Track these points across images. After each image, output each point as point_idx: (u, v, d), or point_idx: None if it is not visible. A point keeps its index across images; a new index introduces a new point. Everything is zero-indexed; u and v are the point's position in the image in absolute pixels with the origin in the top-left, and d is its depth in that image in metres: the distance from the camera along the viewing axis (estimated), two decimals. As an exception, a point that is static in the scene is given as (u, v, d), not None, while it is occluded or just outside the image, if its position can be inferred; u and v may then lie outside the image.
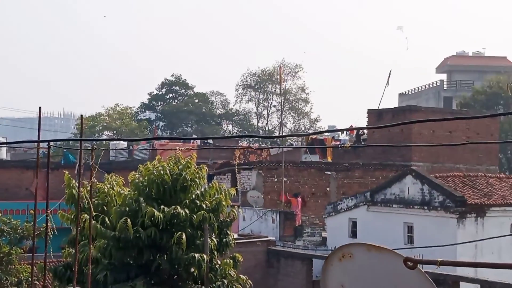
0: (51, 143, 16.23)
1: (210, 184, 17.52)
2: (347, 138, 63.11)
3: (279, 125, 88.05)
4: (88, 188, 18.10)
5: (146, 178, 17.06)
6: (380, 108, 49.60)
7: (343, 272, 6.20)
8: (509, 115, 68.54)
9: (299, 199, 39.13)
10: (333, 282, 6.21)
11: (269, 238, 33.47)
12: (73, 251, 17.64)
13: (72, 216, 17.72)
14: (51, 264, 19.72)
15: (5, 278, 24.24)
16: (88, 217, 15.78)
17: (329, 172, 43.03)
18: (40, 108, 17.35)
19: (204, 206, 16.81)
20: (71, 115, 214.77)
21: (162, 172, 16.79)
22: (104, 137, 76.92)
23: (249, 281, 17.49)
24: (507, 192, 32.24)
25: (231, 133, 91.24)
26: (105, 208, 17.83)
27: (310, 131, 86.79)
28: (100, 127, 79.41)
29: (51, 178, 28.95)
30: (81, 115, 18.36)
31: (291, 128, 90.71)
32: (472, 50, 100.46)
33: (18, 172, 43.17)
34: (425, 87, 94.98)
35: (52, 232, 24.45)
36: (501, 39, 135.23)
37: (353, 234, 34.35)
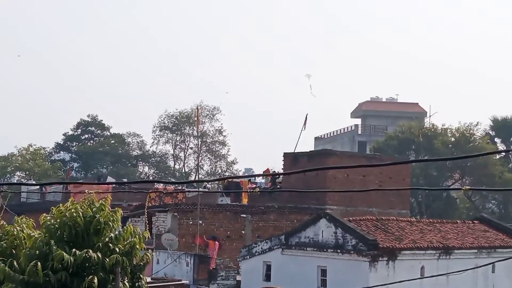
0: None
1: (124, 227, 17.34)
2: (263, 181, 63.57)
3: (196, 167, 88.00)
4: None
5: (58, 220, 16.75)
6: (296, 151, 50.20)
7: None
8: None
9: (215, 242, 39.04)
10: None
11: (183, 282, 33.18)
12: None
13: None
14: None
15: None
16: (-4, 260, 15.40)
17: (244, 215, 43.17)
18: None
19: (117, 249, 16.60)
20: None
21: (75, 214, 16.54)
22: (16, 178, 75.26)
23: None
24: (418, 235, 33.00)
25: (147, 174, 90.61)
26: (14, 251, 17.40)
27: (227, 174, 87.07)
28: (12, 168, 77.70)
29: None
30: None
31: (208, 170, 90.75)
32: (385, 96, 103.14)
33: None
34: (340, 131, 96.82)
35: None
36: (413, 86, 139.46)
37: (267, 277, 34.42)
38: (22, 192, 53.96)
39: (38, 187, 57.59)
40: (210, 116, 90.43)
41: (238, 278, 37.06)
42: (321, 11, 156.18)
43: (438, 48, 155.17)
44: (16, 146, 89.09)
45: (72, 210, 16.65)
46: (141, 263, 17.48)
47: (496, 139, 75.31)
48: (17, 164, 78.36)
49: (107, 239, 16.64)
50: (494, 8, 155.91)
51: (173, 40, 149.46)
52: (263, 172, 54.45)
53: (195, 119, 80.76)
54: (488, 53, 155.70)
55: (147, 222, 28.79)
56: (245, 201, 50.41)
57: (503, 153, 70.74)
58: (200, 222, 40.08)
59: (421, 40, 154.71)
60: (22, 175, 77.53)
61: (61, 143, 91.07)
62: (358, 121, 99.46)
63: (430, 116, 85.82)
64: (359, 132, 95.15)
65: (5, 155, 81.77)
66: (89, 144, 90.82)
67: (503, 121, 74.99)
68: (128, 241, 16.95)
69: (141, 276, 17.50)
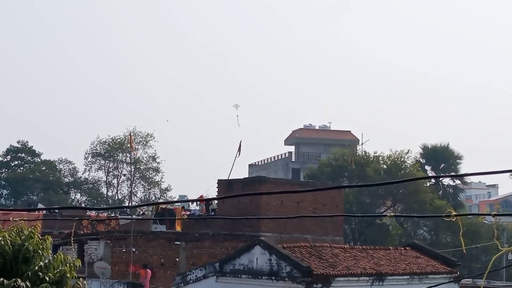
0: None
1: (54, 255, 16.86)
2: (197, 208, 63.14)
3: (129, 194, 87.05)
4: None
5: (-17, 249, 16.20)
6: (230, 178, 50.07)
7: None
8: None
9: (148, 270, 38.45)
10: None
11: (116, 311, 32.60)
12: None
13: None
14: None
15: None
16: None
17: (178, 242, 42.72)
18: None
19: (47, 278, 16.11)
20: None
21: (2, 242, 16.02)
22: None
23: None
24: (351, 262, 33.11)
25: (79, 202, 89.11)
26: None
27: (161, 201, 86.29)
28: None
29: None
30: None
31: (141, 197, 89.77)
32: (318, 124, 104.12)
33: None
34: (274, 158, 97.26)
35: None
36: (345, 113, 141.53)
37: (202, 306, 34.06)
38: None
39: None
40: (143, 143, 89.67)
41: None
42: (254, 35, 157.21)
43: (370, 75, 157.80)
44: None
45: (0, 239, 16.14)
46: (72, 292, 17.02)
47: (426, 167, 76.56)
48: None
49: (36, 268, 16.15)
50: (424, 36, 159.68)
51: (105, 67, 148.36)
52: (199, 199, 54.16)
53: (128, 145, 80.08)
54: (418, 81, 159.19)
55: (75, 249, 28.35)
56: (178, 228, 49.98)
57: (433, 180, 71.88)
58: (134, 249, 39.48)
59: (353, 68, 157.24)
60: None
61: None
62: (291, 148, 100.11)
63: (362, 143, 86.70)
64: (293, 159, 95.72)
65: None
66: (19, 170, 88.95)
67: (432, 149, 76.39)
68: (58, 270, 16.47)
69: (72, 306, 17.02)
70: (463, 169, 75.58)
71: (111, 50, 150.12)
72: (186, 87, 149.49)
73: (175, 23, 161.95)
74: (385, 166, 70.38)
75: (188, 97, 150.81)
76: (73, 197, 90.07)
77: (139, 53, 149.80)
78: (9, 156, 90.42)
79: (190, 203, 57.49)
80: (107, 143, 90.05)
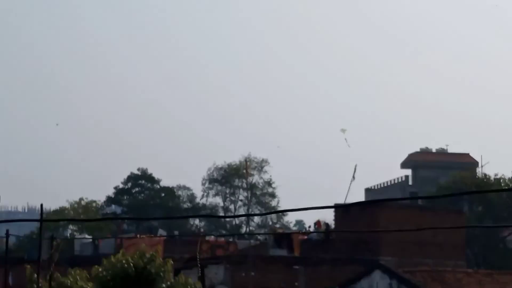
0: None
1: (176, 278, 17.00)
2: (315, 233, 62.62)
3: (246, 219, 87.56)
4: (52, 284, 17.51)
5: (110, 272, 16.51)
6: (346, 202, 49.42)
7: None
8: (474, 211, 69.02)
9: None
10: None
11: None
12: None
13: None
14: None
15: None
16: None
17: (297, 267, 42.40)
18: None
19: (169, 301, 16.24)
20: (35, 209, 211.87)
21: (126, 266, 16.28)
22: (69, 231, 75.74)
23: None
24: (475, 287, 31.92)
25: (198, 227, 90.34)
26: (67, 303, 17.14)
27: (277, 226, 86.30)
28: (65, 222, 78.20)
29: (15, 273, 27.99)
30: (41, 204, 17.87)
31: (258, 222, 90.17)
32: (435, 147, 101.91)
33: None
34: (390, 182, 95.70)
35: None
36: (463, 136, 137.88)
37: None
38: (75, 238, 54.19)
39: (91, 240, 57.81)
40: (258, 169, 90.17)
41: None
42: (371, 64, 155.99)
43: (487, 100, 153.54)
44: (67, 200, 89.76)
45: (123, 262, 16.40)
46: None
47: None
48: (69, 218, 78.89)
49: (160, 290, 16.34)
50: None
51: (220, 95, 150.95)
52: (315, 223, 53.72)
53: (244, 171, 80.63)
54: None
55: (198, 272, 28.53)
56: (296, 253, 49.64)
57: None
58: (253, 273, 39.44)
59: (469, 92, 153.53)
60: (74, 228, 77.98)
61: (112, 196, 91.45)
62: (408, 171, 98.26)
63: (482, 166, 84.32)
64: (410, 183, 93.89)
65: (57, 209, 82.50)
66: (139, 197, 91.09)
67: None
68: (181, 292, 16.60)
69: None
70: None
71: (224, 78, 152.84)
72: (298, 113, 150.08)
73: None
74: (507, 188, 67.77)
75: (299, 123, 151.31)
76: (192, 223, 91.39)
77: (254, 81, 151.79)
78: (130, 183, 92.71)
79: (307, 227, 56.98)
80: (223, 169, 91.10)
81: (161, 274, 16.57)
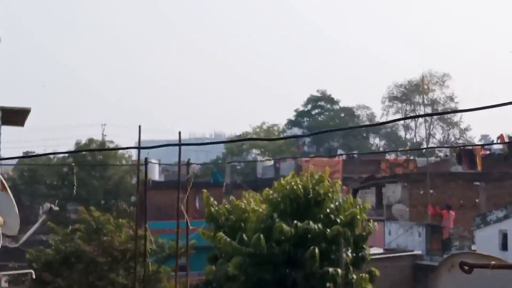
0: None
1: (344, 198, 17.50)
2: (500, 147, 60.82)
3: (427, 136, 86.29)
4: (227, 206, 18.54)
5: (280, 194, 17.26)
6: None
7: (452, 282, 6.08)
8: None
9: (452, 211, 37.95)
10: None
11: (415, 253, 32.86)
12: (214, 268, 18.09)
13: (212, 234, 18.12)
14: (194, 281, 20.25)
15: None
16: (223, 235, 16.17)
17: (478, 183, 41.72)
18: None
19: (338, 220, 16.79)
20: (222, 135, 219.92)
21: (295, 187, 16.93)
22: (252, 156, 78.21)
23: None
24: None
25: (378, 146, 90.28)
26: (242, 224, 18.10)
27: (460, 141, 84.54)
28: (247, 146, 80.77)
29: (201, 197, 29.62)
30: (179, 132, 18.67)
31: (440, 139, 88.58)
32: None
33: (170, 192, 44.49)
34: None
35: (194, 251, 25.19)
36: None
37: (504, 246, 33.05)
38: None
39: (272, 163, 59.61)
40: (440, 83, 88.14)
41: (473, 247, 35.94)
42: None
43: None
44: (250, 125, 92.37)
45: (293, 184, 17.06)
46: (364, 233, 17.55)
47: None
48: (253, 142, 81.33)
49: (327, 210, 16.89)
50: None
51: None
52: (497, 138, 52.16)
53: (425, 87, 79.15)
54: None
55: (374, 193, 29.05)
56: (479, 168, 48.68)
57: None
58: (431, 191, 39.32)
59: None
60: (257, 152, 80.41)
61: (293, 119, 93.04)
62: None
63: None
64: None
65: (240, 134, 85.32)
66: (319, 119, 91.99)
67: None
68: (349, 212, 17.08)
69: (364, 246, 17.58)
70: None
71: None
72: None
73: None
74: None
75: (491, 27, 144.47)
76: (372, 142, 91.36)
77: None
78: (309, 105, 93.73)
79: (495, 139, 55.37)
80: (403, 86, 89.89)
81: (329, 194, 17.09)
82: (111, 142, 61.68)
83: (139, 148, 16.13)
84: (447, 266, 6.22)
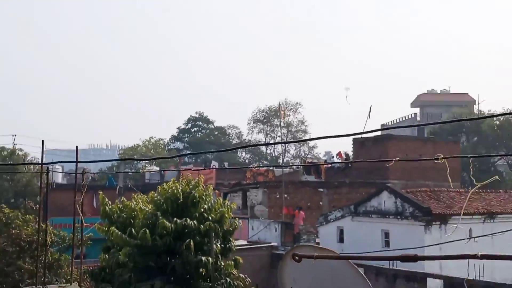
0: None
1: (215, 200, 17.50)
2: (339, 163, 62.76)
3: (283, 152, 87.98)
4: (119, 205, 18.15)
5: (163, 196, 17.08)
6: (363, 137, 49.44)
7: (294, 268, 6.19)
8: (470, 141, 68.34)
9: (301, 212, 38.80)
10: (287, 276, 6.20)
11: (272, 244, 33.30)
12: (107, 256, 17.66)
13: (106, 228, 17.70)
14: (90, 268, 19.66)
15: (55, 279, 24.16)
16: (115, 229, 15.81)
17: (321, 189, 42.91)
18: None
19: (210, 218, 16.77)
20: (116, 146, 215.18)
21: (175, 191, 16.81)
22: (140, 164, 76.97)
23: (248, 278, 17.35)
24: (463, 203, 32.00)
25: (244, 159, 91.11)
26: (132, 221, 17.79)
27: (309, 157, 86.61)
28: (137, 156, 79.56)
29: (97, 198, 28.53)
30: (76, 147, 18.26)
31: (293, 153, 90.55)
32: (440, 88, 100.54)
33: (71, 193, 43.13)
34: (402, 118, 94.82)
35: (90, 243, 24.63)
36: (463, 77, 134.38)
37: (341, 239, 34.10)
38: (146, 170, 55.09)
39: (158, 169, 58.82)
40: (293, 110, 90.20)
41: (317, 240, 36.83)
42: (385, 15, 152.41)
43: (483, 42, 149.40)
44: (140, 138, 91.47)
45: (173, 188, 16.91)
46: (230, 229, 17.60)
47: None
48: (142, 153, 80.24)
49: (201, 210, 16.84)
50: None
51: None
52: (337, 155, 53.90)
53: (281, 112, 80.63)
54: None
55: (240, 196, 29.27)
56: (323, 178, 50.05)
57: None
58: (285, 195, 40.07)
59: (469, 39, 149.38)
60: (146, 161, 79.21)
61: (176, 135, 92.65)
62: (417, 110, 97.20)
63: (478, 104, 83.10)
64: (418, 119, 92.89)
65: (132, 146, 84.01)
66: (197, 135, 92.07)
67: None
68: (219, 211, 17.09)
69: (231, 239, 17.61)
70: None
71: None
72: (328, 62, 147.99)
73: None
74: (498, 122, 66.88)
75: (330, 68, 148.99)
76: (239, 155, 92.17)
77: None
78: (189, 124, 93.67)
79: (332, 157, 57.09)
80: (264, 111, 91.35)
81: (203, 197, 17.04)
82: (21, 150, 59.09)
83: (41, 164, 15.42)
84: (290, 256, 6.33)
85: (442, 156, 4.98)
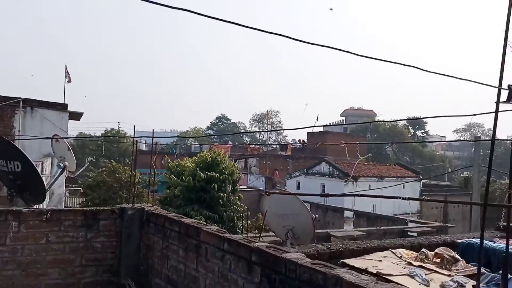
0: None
1: (229, 162, 17.61)
2: (299, 145, 62.62)
3: (268, 138, 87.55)
4: (176, 163, 18.25)
5: (200, 159, 17.19)
6: (312, 132, 49.42)
7: (268, 200, 6.43)
8: (372, 136, 68.20)
9: (277, 172, 38.80)
10: (265, 204, 6.43)
11: (260, 188, 33.34)
12: (168, 191, 17.83)
13: (168, 176, 17.82)
14: (159, 197, 19.76)
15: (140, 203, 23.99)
16: (173, 176, 15.98)
17: (289, 160, 42.94)
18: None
19: (226, 172, 16.91)
20: (176, 131, 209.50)
21: (207, 157, 16.92)
22: (189, 141, 76.39)
23: (246, 207, 17.53)
24: (368, 171, 32.09)
25: (247, 141, 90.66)
26: (183, 172, 17.94)
27: (283, 141, 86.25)
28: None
29: (165, 160, 27.97)
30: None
31: (274, 139, 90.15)
32: (357, 105, 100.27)
33: (149, 155, 42.72)
34: (335, 122, 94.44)
35: (158, 183, 24.70)
36: (370, 96, 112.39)
37: (298, 188, 34.19)
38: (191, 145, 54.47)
39: (198, 144, 58.31)
40: (275, 115, 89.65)
41: (285, 187, 36.90)
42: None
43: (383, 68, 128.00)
44: (189, 127, 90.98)
45: (206, 155, 17.04)
46: (237, 179, 17.74)
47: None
48: (190, 135, 79.47)
49: (221, 168, 16.99)
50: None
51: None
52: (298, 141, 53.62)
53: (267, 116, 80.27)
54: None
55: (243, 161, 29.37)
56: (289, 153, 49.99)
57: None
58: (269, 162, 40.06)
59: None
60: (192, 139, 78.84)
61: (209, 126, 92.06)
62: (343, 117, 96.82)
63: (377, 115, 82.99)
64: (344, 123, 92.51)
65: (185, 130, 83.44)
66: (221, 126, 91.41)
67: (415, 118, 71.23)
68: (231, 169, 17.25)
69: (237, 184, 17.75)
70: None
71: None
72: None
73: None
74: (388, 126, 66.73)
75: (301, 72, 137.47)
76: (244, 139, 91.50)
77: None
78: (217, 120, 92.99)
79: (296, 141, 56.96)
80: (258, 115, 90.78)
81: (223, 161, 17.18)
82: (122, 130, 58.57)
83: (133, 137, 15.36)
84: (266, 193, 6.52)
85: (357, 143, 5.11)
